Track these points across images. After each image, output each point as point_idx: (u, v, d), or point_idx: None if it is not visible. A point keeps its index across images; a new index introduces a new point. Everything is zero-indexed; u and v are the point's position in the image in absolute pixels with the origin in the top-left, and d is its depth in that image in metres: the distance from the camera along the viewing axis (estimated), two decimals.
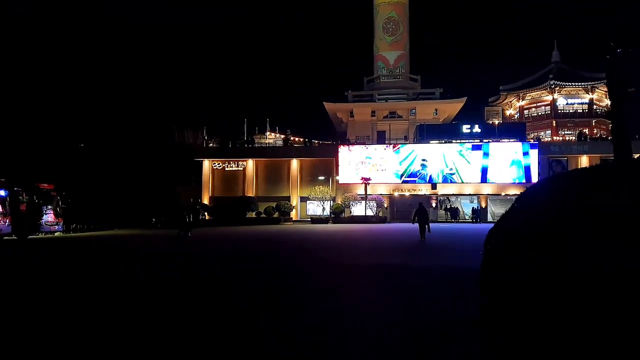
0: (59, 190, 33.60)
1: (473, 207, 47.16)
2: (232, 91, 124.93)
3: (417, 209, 22.65)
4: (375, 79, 67.19)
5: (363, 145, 51.13)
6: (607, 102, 63.40)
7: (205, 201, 50.33)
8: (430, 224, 22.91)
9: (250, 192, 50.52)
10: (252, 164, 51.50)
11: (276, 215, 46.52)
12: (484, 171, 47.78)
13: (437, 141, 49.32)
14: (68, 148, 50.57)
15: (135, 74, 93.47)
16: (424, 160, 48.45)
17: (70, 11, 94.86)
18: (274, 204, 47.20)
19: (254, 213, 46.52)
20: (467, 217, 47.71)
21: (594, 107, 61.85)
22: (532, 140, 51.52)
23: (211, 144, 53.34)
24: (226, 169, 51.82)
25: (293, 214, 49.21)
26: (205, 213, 45.57)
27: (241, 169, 51.64)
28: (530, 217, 5.33)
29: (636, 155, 7.48)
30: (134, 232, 35.97)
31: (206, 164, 51.88)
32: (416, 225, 22.31)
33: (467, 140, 48.60)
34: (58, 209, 30.72)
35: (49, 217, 29.93)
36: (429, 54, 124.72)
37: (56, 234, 36.64)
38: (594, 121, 61.33)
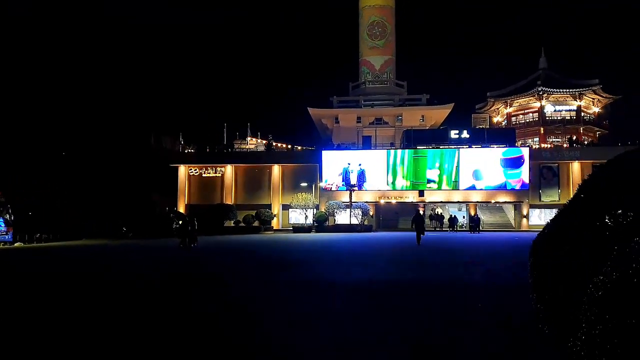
0: (15, 195, 30.62)
1: (471, 216, 44.67)
2: (213, 96, 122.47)
3: (415, 217, 24.43)
4: (361, 84, 65.50)
5: (348, 150, 48.95)
6: (595, 109, 62.73)
7: (181, 209, 47.54)
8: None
9: (229, 200, 47.89)
10: (231, 170, 48.92)
11: (256, 224, 43.95)
12: (472, 177, 46.00)
13: (425, 146, 47.46)
14: (31, 151, 47.40)
15: (110, 74, 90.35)
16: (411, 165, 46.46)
17: (56, 10, 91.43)
18: (253, 212, 44.64)
19: (232, 222, 43.87)
20: (456, 226, 45.19)
21: (582, 114, 60.93)
22: (519, 146, 50.07)
23: (189, 150, 50.72)
24: (203, 175, 49.16)
25: (274, 223, 46.69)
26: (180, 222, 42.72)
27: (219, 175, 49.03)
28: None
29: None
30: (105, 242, 33.09)
31: (182, 170, 49.18)
32: (413, 233, 23.76)
33: (455, 146, 46.79)
34: (8, 217, 27.69)
35: None
36: (415, 59, 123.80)
37: (16, 244, 33.53)
38: (582, 128, 60.37)
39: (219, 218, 42.96)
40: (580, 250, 3.75)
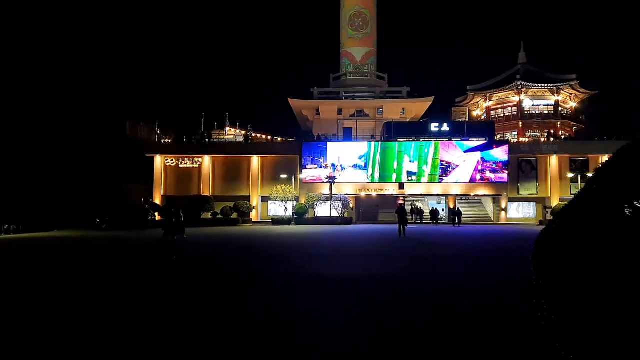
0: None
1: (453, 209, 44.52)
2: (191, 85, 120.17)
3: (398, 209, 25.86)
4: (342, 76, 64.91)
5: (330, 142, 48.39)
6: (572, 104, 63.61)
7: (157, 200, 46.37)
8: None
9: (206, 191, 46.85)
10: (208, 161, 47.85)
11: (234, 216, 43.10)
12: (448, 169, 46.01)
13: (405, 139, 47.26)
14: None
15: (84, 59, 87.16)
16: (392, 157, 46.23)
17: None
18: (231, 204, 43.76)
19: (209, 214, 42.92)
20: (437, 220, 44.99)
21: (559, 108, 61.67)
22: (498, 139, 50.37)
23: (165, 140, 49.29)
24: (180, 165, 47.93)
25: (253, 215, 45.93)
26: (156, 213, 41.65)
27: (196, 166, 47.90)
28: None
29: None
30: (80, 234, 31.80)
31: (158, 160, 47.86)
32: (394, 226, 25.95)
33: (435, 139, 46.71)
34: None
35: None
36: (396, 52, 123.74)
37: None
38: (559, 123, 61.08)
39: (195, 210, 41.96)
40: (601, 250, 3.22)
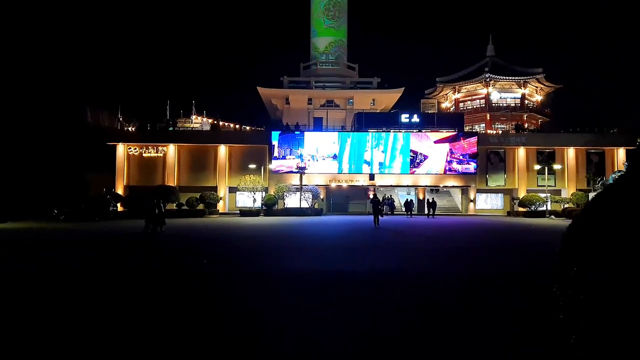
0: None
1: (428, 200, 44.20)
2: (155, 70, 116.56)
3: (372, 200, 26.96)
4: (312, 65, 63.96)
5: (307, 132, 47.49)
6: (538, 97, 64.86)
7: (119, 191, 44.47)
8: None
9: (171, 182, 45.20)
10: (173, 150, 46.18)
11: (200, 207, 41.76)
12: (418, 160, 45.97)
13: (376, 130, 46.92)
14: None
15: (40, 40, 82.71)
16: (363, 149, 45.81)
17: None
18: (197, 195, 42.36)
19: (174, 205, 41.38)
20: (411, 211, 44.67)
21: (526, 101, 62.76)
22: (467, 130, 50.65)
23: (128, 128, 47.20)
24: (144, 154, 46.04)
25: (220, 206, 44.69)
26: (118, 204, 39.91)
27: (161, 155, 46.13)
28: None
29: None
30: (36, 225, 29.82)
31: (121, 148, 45.85)
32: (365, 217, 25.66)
33: (405, 130, 46.57)
34: None
35: None
36: (367, 43, 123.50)
37: None
38: (525, 115, 62.19)
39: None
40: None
